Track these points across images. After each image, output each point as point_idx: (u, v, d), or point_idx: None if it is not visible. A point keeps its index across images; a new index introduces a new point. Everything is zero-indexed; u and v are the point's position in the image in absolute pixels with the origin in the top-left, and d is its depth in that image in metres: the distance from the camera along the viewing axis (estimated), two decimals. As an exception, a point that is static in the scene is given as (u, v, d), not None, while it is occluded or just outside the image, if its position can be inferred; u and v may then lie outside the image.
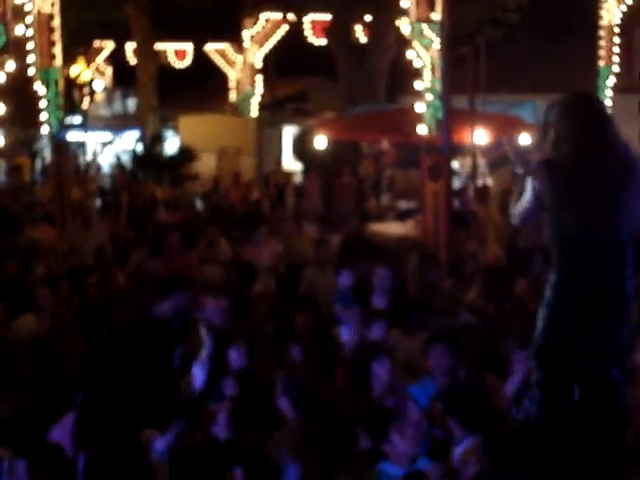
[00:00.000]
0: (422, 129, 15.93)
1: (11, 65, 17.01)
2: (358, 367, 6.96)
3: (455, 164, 16.70)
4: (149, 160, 20.71)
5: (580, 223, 5.07)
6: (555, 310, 5.15)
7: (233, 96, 25.02)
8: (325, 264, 10.61)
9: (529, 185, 5.17)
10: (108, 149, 30.15)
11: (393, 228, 14.45)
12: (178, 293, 8.81)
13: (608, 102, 18.45)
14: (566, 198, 5.07)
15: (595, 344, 5.13)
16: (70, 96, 22.65)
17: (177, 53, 26.61)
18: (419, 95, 16.12)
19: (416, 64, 16.02)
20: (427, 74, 15.79)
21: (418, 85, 16.05)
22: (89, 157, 27.26)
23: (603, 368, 5.16)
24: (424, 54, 15.76)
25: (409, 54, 16.19)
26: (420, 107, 16.03)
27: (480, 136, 16.01)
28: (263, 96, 25.07)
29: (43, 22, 15.26)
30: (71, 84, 22.76)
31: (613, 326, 5.14)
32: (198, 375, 7.02)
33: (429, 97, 15.82)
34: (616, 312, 5.14)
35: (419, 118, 16.05)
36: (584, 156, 5.10)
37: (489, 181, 17.69)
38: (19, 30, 13.35)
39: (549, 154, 5.19)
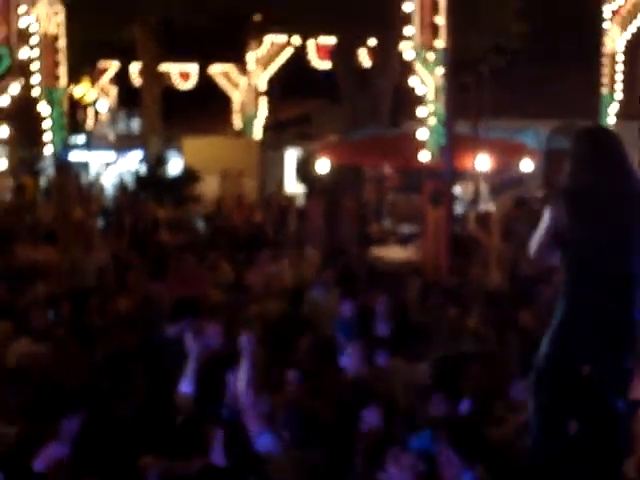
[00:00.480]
0: (425, 155, 15.99)
1: (15, 88, 17.12)
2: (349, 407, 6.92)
3: (457, 190, 16.73)
4: (152, 181, 20.74)
5: (594, 255, 5.10)
6: (561, 336, 5.18)
7: (237, 118, 25.09)
8: (328, 287, 10.63)
9: (546, 216, 5.23)
10: (111, 169, 30.18)
11: (395, 252, 14.45)
12: (188, 318, 8.79)
13: (610, 129, 18.46)
14: (582, 227, 5.12)
15: (600, 372, 5.15)
16: (74, 116, 22.71)
17: (181, 75, 26.72)
18: (422, 120, 16.20)
19: (419, 90, 16.09)
20: (430, 100, 15.86)
21: (421, 111, 16.12)
22: (92, 177, 27.27)
23: (607, 397, 5.17)
24: (428, 80, 15.81)
25: (412, 81, 16.28)
26: (423, 133, 16.10)
27: (483, 162, 16.03)
28: (267, 118, 25.13)
29: (48, 43, 15.37)
30: (75, 104, 22.81)
31: (620, 356, 5.16)
32: (186, 389, 7.00)
33: (432, 122, 15.88)
34: (623, 342, 5.16)
35: (422, 143, 16.13)
36: (601, 186, 5.17)
37: (491, 207, 17.70)
38: (24, 53, 13.39)
39: (566, 184, 5.27)
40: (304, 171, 22.00)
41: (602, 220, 5.13)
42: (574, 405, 5.25)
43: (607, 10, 17.60)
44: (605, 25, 17.78)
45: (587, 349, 5.15)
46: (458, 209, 17.08)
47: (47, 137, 15.62)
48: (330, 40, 24.27)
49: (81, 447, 6.07)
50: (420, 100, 16.06)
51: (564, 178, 5.31)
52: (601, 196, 5.15)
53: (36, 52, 15.11)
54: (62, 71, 15.84)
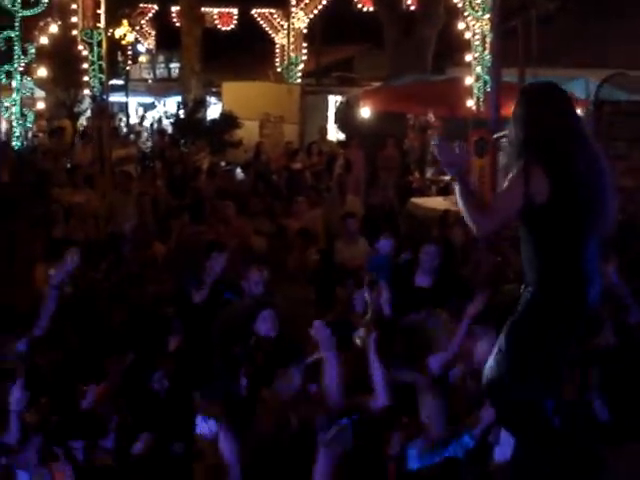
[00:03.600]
0: (470, 102, 15.65)
1: (54, 28, 16.93)
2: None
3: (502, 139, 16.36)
4: (190, 126, 20.50)
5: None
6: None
7: (278, 62, 24.73)
8: (353, 238, 10.48)
9: (515, 188, 4.68)
10: (149, 113, 30.02)
11: (436, 202, 14.19)
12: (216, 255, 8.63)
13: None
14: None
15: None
16: (113, 59, 22.47)
17: (222, 16, 26.31)
18: (468, 67, 15.83)
19: (466, 36, 15.71)
20: (477, 46, 15.49)
21: (467, 57, 15.76)
22: (130, 121, 27.13)
23: None
24: (475, 25, 15.43)
25: (459, 25, 15.89)
26: (469, 80, 15.74)
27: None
28: (308, 63, 24.77)
29: (87, -17, 15.10)
30: (114, 46, 22.56)
31: None
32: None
33: (478, 70, 15.53)
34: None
35: (467, 91, 15.77)
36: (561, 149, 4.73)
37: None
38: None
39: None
40: (344, 118, 21.67)
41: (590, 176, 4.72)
42: None
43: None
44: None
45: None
46: (503, 160, 16.73)
47: (85, 79, 15.40)
48: (374, -17, 23.81)
49: (126, 387, 6.00)
50: (466, 46, 15.70)
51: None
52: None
53: (75, -8, 14.90)
54: (101, 12, 15.58)
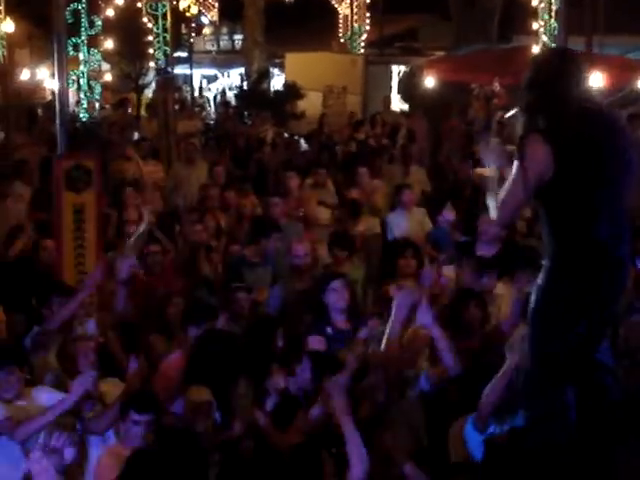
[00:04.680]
0: (536, 71, 15.45)
1: (120, 1, 17.04)
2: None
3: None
4: (254, 97, 20.53)
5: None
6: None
7: (341, 33, 24.61)
8: (408, 209, 10.39)
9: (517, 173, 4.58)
10: (213, 85, 30.12)
11: (502, 173, 14.02)
12: (264, 238, 8.73)
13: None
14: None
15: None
16: (178, 30, 22.59)
17: (285, -13, 26.25)
18: (534, 35, 15.63)
19: (532, 3, 15.51)
20: (543, 14, 15.28)
21: (534, 25, 15.57)
22: (194, 93, 27.24)
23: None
24: (541, -8, 15.22)
25: (525, -7, 15.68)
26: (535, 48, 15.53)
27: (596, 79, 15.39)
28: (371, 33, 24.61)
29: (153, -45, 15.15)
30: (179, 18, 22.65)
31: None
32: None
33: (544, 38, 15.34)
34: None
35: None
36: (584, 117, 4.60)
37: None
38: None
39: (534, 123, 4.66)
40: (408, 88, 21.50)
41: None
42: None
43: None
44: None
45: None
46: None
47: (150, 52, 15.51)
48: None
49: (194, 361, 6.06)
50: (532, 14, 15.51)
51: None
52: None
53: (140, -35, 14.99)
54: (166, -16, 15.63)
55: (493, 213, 4.71)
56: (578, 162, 4.55)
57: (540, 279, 4.73)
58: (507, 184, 4.64)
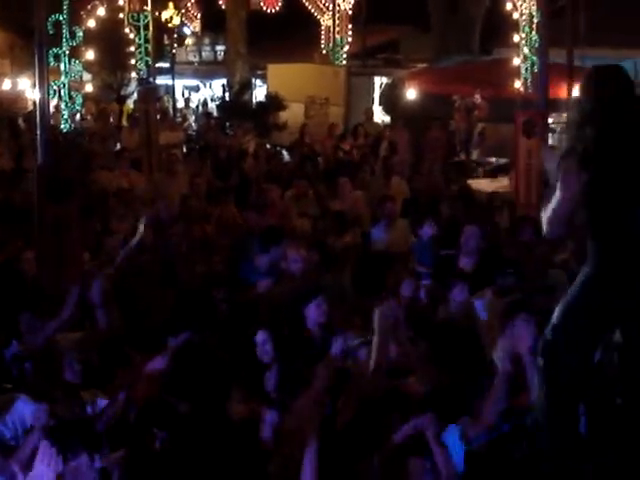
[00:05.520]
0: (517, 83, 15.53)
1: (101, 11, 17.03)
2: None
3: (550, 120, 16.19)
4: (236, 108, 20.54)
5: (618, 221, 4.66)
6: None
7: (323, 44, 24.65)
8: (391, 221, 10.40)
9: (567, 182, 4.63)
10: (195, 96, 30.10)
11: (483, 184, 14.12)
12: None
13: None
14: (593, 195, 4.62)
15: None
16: (159, 41, 22.57)
17: (268, -2, 26.25)
18: (515, 48, 15.71)
19: (514, 16, 15.59)
20: (524, 26, 15.38)
21: (515, 38, 15.65)
22: (176, 104, 27.19)
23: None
24: (522, 5, 15.30)
25: (507, 5, 15.77)
26: (516, 61, 15.62)
27: (577, 91, 15.47)
28: (353, 45, 24.65)
29: (134, -34, 15.17)
30: (161, 29, 22.64)
31: None
32: None
33: (525, 50, 15.42)
34: None
35: (514, 72, 15.65)
36: (606, 140, 4.62)
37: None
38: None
39: (572, 141, 4.70)
40: (390, 100, 21.57)
41: (617, 186, 4.62)
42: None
43: None
44: None
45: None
46: (551, 140, 16.57)
47: (132, 62, 15.50)
48: (420, -36, 23.60)
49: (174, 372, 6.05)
50: (513, 27, 15.59)
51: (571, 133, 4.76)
52: (609, 155, 4.62)
53: (122, -25, 14.98)
54: (148, -5, 15.64)
55: (544, 227, 4.80)
56: (609, 178, 4.61)
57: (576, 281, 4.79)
58: (553, 200, 4.72)
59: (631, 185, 4.65)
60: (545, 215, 4.76)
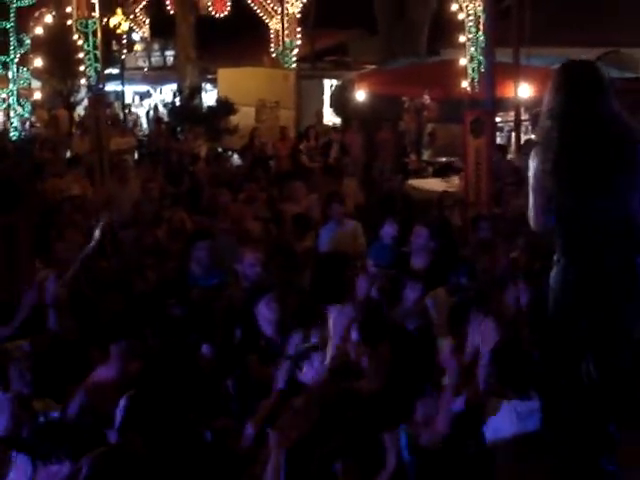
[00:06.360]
0: (465, 83, 15.69)
1: (49, 18, 16.96)
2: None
3: (497, 119, 16.38)
4: (186, 113, 20.52)
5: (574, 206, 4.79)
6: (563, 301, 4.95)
7: (272, 48, 24.70)
8: (339, 222, 10.43)
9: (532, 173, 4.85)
10: (146, 101, 30.00)
11: (433, 184, 14.23)
12: (201, 243, 8.74)
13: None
14: (556, 182, 4.77)
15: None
16: (108, 48, 22.48)
17: (216, 3, 26.19)
18: (462, 48, 15.87)
19: (459, 16, 15.74)
20: (470, 27, 15.53)
21: (461, 38, 15.80)
22: (127, 110, 27.10)
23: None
24: (467, 6, 15.46)
25: (452, 6, 15.92)
26: (463, 61, 15.77)
27: (524, 90, 15.67)
28: (302, 48, 24.72)
29: (81, -28, 15.11)
30: (109, 35, 22.55)
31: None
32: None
33: (472, 51, 15.58)
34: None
35: (462, 72, 15.81)
36: (567, 134, 4.75)
37: (532, 136, 17.38)
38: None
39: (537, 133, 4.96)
40: (340, 102, 21.66)
41: (573, 174, 4.75)
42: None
43: None
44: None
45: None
46: (499, 139, 16.76)
47: (81, 69, 15.44)
48: (367, -33, 23.72)
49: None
50: (460, 27, 15.73)
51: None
52: (569, 148, 4.75)
53: (69, -18, 14.92)
54: (95, 1, 15.59)
55: (530, 222, 4.96)
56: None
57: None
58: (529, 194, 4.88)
59: (591, 175, 4.73)
60: (528, 211, 4.91)
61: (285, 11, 23.90)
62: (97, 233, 8.86)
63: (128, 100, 29.12)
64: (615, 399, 4.98)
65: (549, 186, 4.76)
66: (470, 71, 15.46)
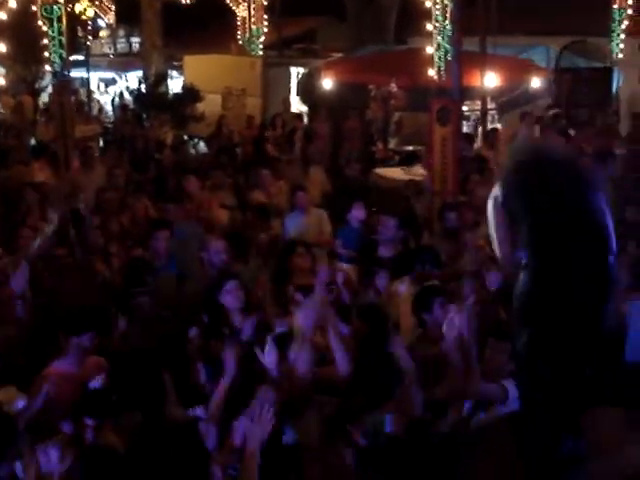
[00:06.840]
0: (431, 72, 15.69)
1: (13, 3, 16.76)
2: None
3: (464, 107, 16.42)
4: (152, 100, 20.39)
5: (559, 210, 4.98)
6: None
7: (239, 35, 24.58)
8: (304, 211, 10.44)
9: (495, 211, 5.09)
10: (111, 88, 29.80)
11: (400, 172, 14.25)
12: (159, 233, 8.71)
13: (620, 45, 18.20)
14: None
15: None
16: (74, 34, 22.29)
17: (183, -11, 26.07)
18: (429, 36, 15.87)
19: (426, 4, 15.74)
20: (437, 15, 15.53)
21: (428, 27, 15.80)
22: (92, 96, 26.91)
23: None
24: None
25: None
26: (430, 49, 15.77)
27: (490, 79, 15.71)
28: (269, 35, 24.63)
29: (46, -43, 14.95)
30: (74, 21, 22.36)
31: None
32: None
33: (439, 39, 15.58)
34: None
35: (428, 60, 15.81)
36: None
37: (499, 125, 17.44)
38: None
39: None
40: (307, 90, 21.62)
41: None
42: None
43: None
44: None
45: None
46: (465, 127, 16.79)
47: (46, 55, 15.29)
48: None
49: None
50: (427, 15, 15.73)
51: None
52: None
53: (33, -34, 14.77)
54: (60, -14, 15.42)
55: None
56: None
57: None
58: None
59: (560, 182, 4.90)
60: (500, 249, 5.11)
61: (252, -3, 23.79)
62: (54, 218, 8.73)
63: (93, 87, 28.91)
64: (582, 398, 5.05)
65: (512, 206, 4.84)
66: (437, 59, 15.46)
